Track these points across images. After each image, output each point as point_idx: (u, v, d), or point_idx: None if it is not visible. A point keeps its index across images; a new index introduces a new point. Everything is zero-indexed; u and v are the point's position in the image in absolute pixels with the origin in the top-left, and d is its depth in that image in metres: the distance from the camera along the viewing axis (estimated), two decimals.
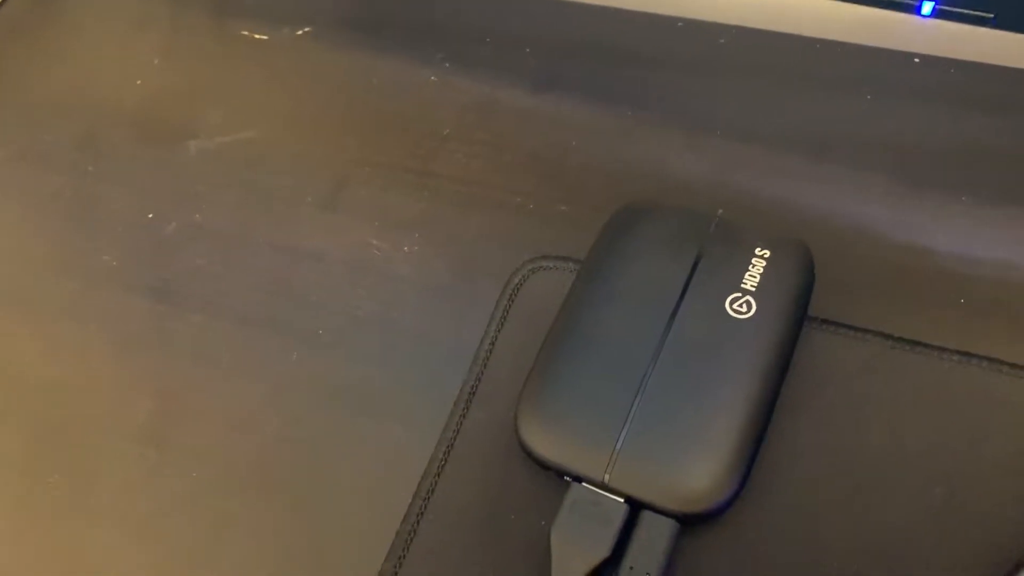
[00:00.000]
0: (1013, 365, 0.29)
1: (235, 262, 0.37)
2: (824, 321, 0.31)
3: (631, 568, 0.26)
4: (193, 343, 0.35)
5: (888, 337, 0.30)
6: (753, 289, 0.29)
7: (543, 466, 0.28)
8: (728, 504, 0.27)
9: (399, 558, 0.28)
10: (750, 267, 0.30)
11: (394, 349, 0.34)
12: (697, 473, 0.27)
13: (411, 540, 0.29)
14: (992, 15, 0.35)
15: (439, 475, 0.30)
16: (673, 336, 0.29)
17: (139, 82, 0.44)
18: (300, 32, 0.44)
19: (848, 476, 0.28)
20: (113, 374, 0.35)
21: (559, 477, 0.28)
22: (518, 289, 0.34)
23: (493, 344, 0.32)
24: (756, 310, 0.29)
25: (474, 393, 0.31)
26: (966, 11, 0.36)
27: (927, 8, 0.37)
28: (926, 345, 0.30)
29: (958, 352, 0.29)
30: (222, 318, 0.36)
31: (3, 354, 0.36)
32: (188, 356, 0.35)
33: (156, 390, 0.34)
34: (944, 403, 0.29)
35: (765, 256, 0.30)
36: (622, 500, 0.27)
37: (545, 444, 0.28)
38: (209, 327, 0.35)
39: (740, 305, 0.29)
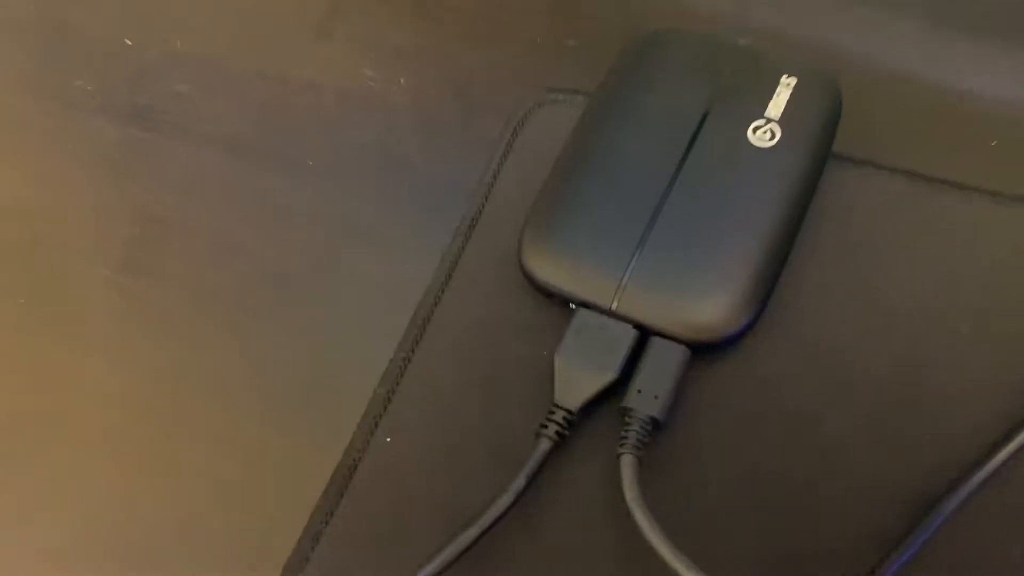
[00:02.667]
0: None
1: (220, 90, 0.35)
2: (849, 158, 0.29)
3: (639, 391, 0.25)
4: (176, 171, 0.33)
5: (915, 175, 0.28)
6: (777, 117, 0.28)
7: (547, 293, 0.27)
8: (741, 333, 0.26)
9: (394, 383, 0.27)
10: (775, 94, 0.28)
11: (389, 179, 0.32)
12: (710, 300, 0.25)
13: (406, 366, 0.27)
14: None
15: (437, 303, 0.28)
16: (691, 162, 0.27)
17: None
18: None
19: (869, 312, 0.26)
20: (90, 200, 0.33)
21: (563, 305, 0.27)
22: (524, 122, 0.31)
23: (496, 176, 0.31)
24: (780, 139, 0.27)
25: (475, 224, 0.30)
26: None
27: None
28: (954, 184, 0.28)
29: (987, 192, 0.28)
30: (207, 146, 0.33)
31: None
32: (171, 184, 0.33)
33: (136, 217, 0.32)
34: (971, 241, 0.27)
35: (791, 84, 0.28)
36: (632, 327, 0.26)
37: (550, 270, 0.27)
38: (193, 155, 0.33)
39: (763, 133, 0.27)
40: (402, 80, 0.34)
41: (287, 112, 0.34)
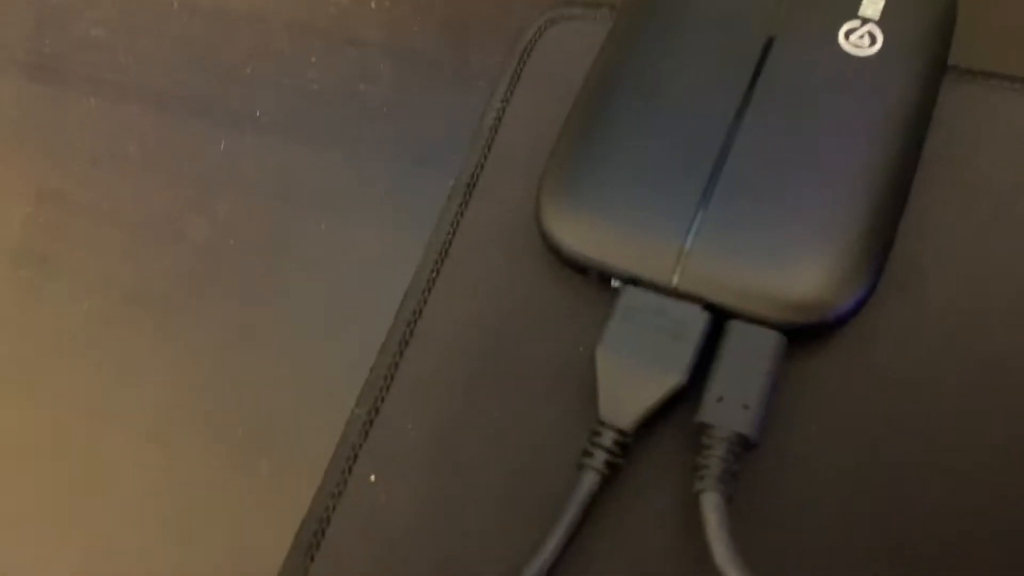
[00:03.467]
0: None
1: (144, 30, 0.27)
2: (969, 71, 0.22)
3: (719, 399, 0.18)
4: (88, 132, 0.26)
5: None
6: (876, 17, 0.21)
7: (579, 269, 0.20)
8: (854, 310, 0.19)
9: (377, 401, 0.20)
10: None
11: (360, 132, 0.25)
12: (808, 268, 0.18)
13: (392, 376, 0.20)
14: None
15: (429, 290, 0.21)
16: (764, 81, 0.20)
17: None
18: None
19: (1017, 259, 0.19)
20: None
21: (603, 283, 0.20)
22: (531, 47, 0.24)
23: (499, 120, 0.23)
24: (882, 45, 0.20)
25: (475, 183, 0.23)
26: None
27: None
28: None
29: None
30: (128, 100, 0.26)
31: None
32: (82, 149, 0.26)
33: (37, 192, 0.25)
34: None
35: None
36: (701, 308, 0.18)
37: (582, 237, 0.20)
38: (109, 111, 0.26)
39: (860, 37, 0.20)
40: (372, 3, 0.26)
41: (227, 54, 0.26)
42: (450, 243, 0.22)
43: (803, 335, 0.19)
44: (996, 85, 0.22)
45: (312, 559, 0.19)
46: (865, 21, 0.21)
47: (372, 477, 0.19)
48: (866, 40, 0.20)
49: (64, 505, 0.22)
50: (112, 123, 0.26)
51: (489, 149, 0.23)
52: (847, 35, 0.21)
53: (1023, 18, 0.24)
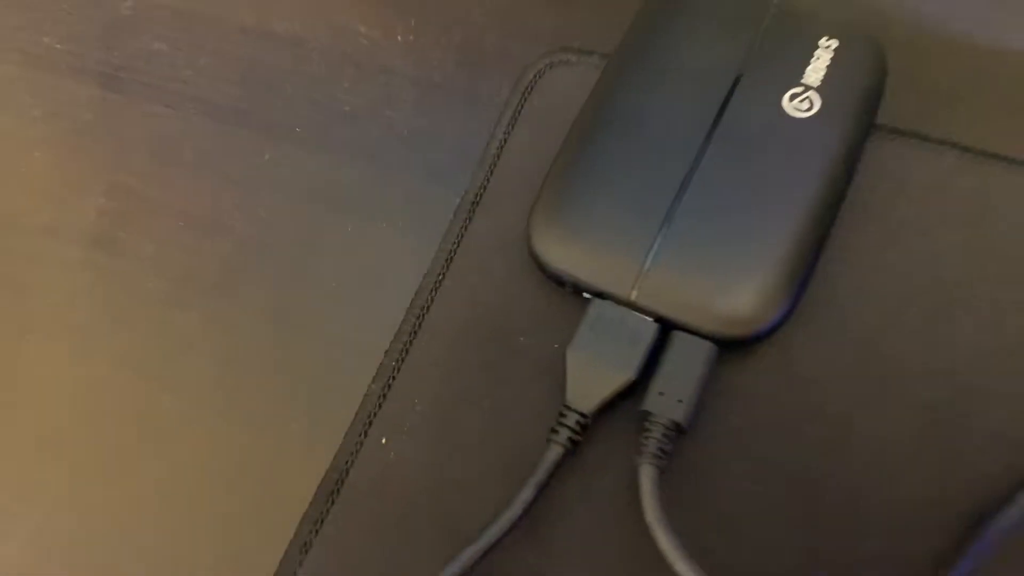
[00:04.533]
0: None
1: (200, 47, 0.31)
2: (895, 130, 0.26)
3: (660, 393, 0.22)
4: (151, 137, 0.30)
5: (966, 149, 0.25)
6: (817, 84, 0.25)
7: (558, 281, 0.24)
8: (775, 327, 0.23)
9: (389, 379, 0.25)
10: (814, 59, 0.25)
11: (385, 149, 0.29)
12: (740, 290, 0.23)
13: (403, 359, 0.25)
14: None
15: (436, 289, 0.26)
16: (720, 135, 0.24)
17: None
18: None
19: (917, 298, 0.24)
20: (57, 168, 0.30)
21: (577, 294, 0.24)
22: (532, 86, 0.28)
23: (502, 146, 0.28)
24: (819, 109, 0.24)
25: (479, 200, 0.27)
26: None
27: None
28: (1010, 158, 0.25)
29: None
30: (184, 109, 0.31)
31: None
32: (145, 151, 0.30)
33: (108, 187, 0.30)
34: None
35: (832, 47, 0.25)
36: (652, 320, 0.23)
37: (561, 254, 0.24)
38: (169, 119, 0.30)
39: (801, 101, 0.25)
40: (399, 37, 0.31)
41: (272, 72, 0.31)
42: (455, 251, 0.26)
43: (733, 346, 0.23)
44: (915, 144, 0.26)
45: (332, 503, 0.23)
46: (807, 88, 0.25)
47: (383, 440, 0.24)
48: (806, 104, 0.25)
49: (122, 457, 0.26)
50: (171, 128, 0.30)
51: (492, 172, 0.27)
52: (791, 99, 0.25)
53: (950, 81, 0.28)
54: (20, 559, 0.25)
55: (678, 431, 0.22)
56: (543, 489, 0.22)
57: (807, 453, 0.23)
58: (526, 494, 0.22)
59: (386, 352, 0.25)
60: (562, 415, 0.23)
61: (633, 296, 0.23)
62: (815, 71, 0.25)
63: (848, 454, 0.23)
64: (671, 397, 0.22)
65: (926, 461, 0.22)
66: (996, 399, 0.23)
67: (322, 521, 0.23)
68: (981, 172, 0.25)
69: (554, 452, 0.22)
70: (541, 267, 0.24)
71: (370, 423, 0.24)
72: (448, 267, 0.26)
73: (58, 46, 0.32)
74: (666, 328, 0.23)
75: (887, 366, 0.23)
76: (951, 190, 0.25)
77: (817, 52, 0.25)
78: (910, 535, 0.22)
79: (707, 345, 0.23)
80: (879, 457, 0.23)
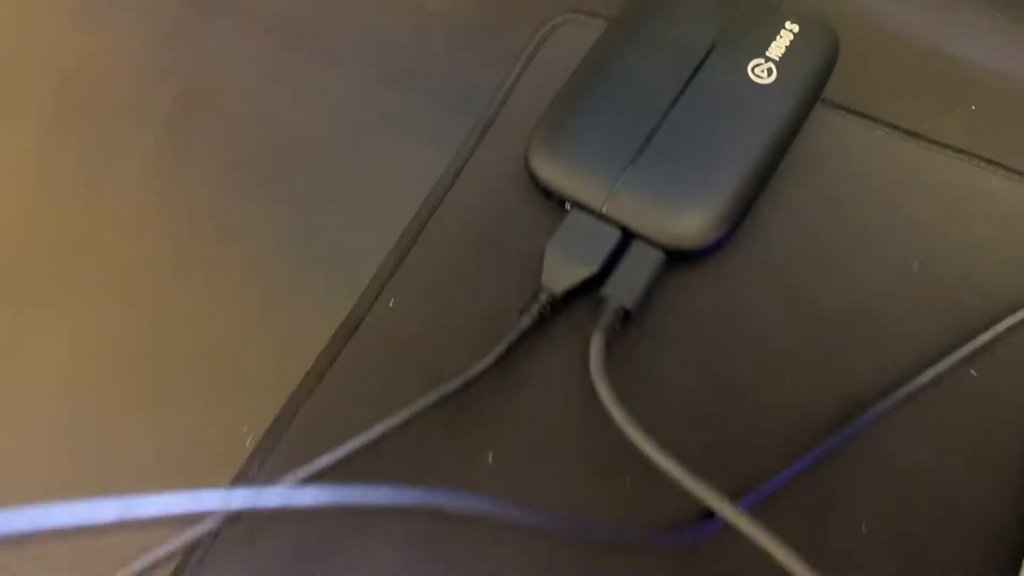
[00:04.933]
0: (1010, 169, 0.30)
1: None
2: (838, 105, 0.32)
3: (615, 284, 0.28)
4: (223, 45, 0.36)
5: (895, 128, 0.31)
6: (776, 58, 0.30)
7: (546, 193, 0.30)
8: (713, 247, 0.29)
9: (401, 255, 0.30)
10: (778, 37, 0.31)
11: (418, 76, 0.34)
12: (691, 212, 0.28)
13: (414, 241, 0.30)
14: None
15: (447, 191, 0.31)
16: (692, 89, 0.30)
17: None
18: None
19: (835, 241, 0.29)
20: (140, 60, 0.36)
21: (560, 205, 0.30)
22: (546, 38, 0.34)
23: (513, 85, 0.33)
24: (776, 77, 0.30)
25: (490, 125, 0.32)
26: None
27: None
28: (929, 139, 0.31)
29: (960, 150, 0.30)
30: (253, 26, 0.36)
31: (32, 22, 0.37)
32: (218, 56, 0.36)
33: (184, 81, 0.35)
34: (936, 189, 0.30)
35: (794, 30, 0.31)
36: (617, 229, 0.29)
37: (551, 171, 0.30)
38: (239, 31, 0.36)
39: (761, 71, 0.30)
40: None
41: (329, 3, 0.36)
42: (466, 163, 0.32)
43: (678, 258, 0.28)
44: (853, 118, 0.31)
45: (345, 345, 0.29)
46: (768, 59, 0.30)
47: (391, 302, 0.30)
48: (765, 72, 0.30)
49: (164, 299, 0.32)
50: (238, 39, 0.36)
51: (503, 105, 0.33)
52: (754, 68, 0.30)
53: (893, 69, 0.33)
54: (68, 372, 0.31)
55: (625, 315, 0.28)
56: (512, 348, 0.28)
57: (722, 352, 0.28)
58: (498, 349, 0.27)
59: (401, 235, 0.31)
60: (536, 293, 0.28)
61: (604, 209, 0.29)
62: (777, 47, 0.30)
63: (753, 357, 0.28)
64: (623, 288, 0.28)
65: (819, 368, 0.28)
66: (884, 324, 0.28)
67: (335, 358, 0.29)
68: (904, 148, 0.31)
69: (526, 321, 0.28)
70: (534, 180, 0.30)
71: (382, 288, 0.30)
72: (459, 174, 0.32)
73: None
74: (627, 237, 0.29)
75: (799, 292, 0.29)
76: (876, 160, 0.31)
77: (782, 32, 0.31)
78: (797, 421, 0.27)
79: (658, 253, 0.28)
80: (778, 362, 0.28)
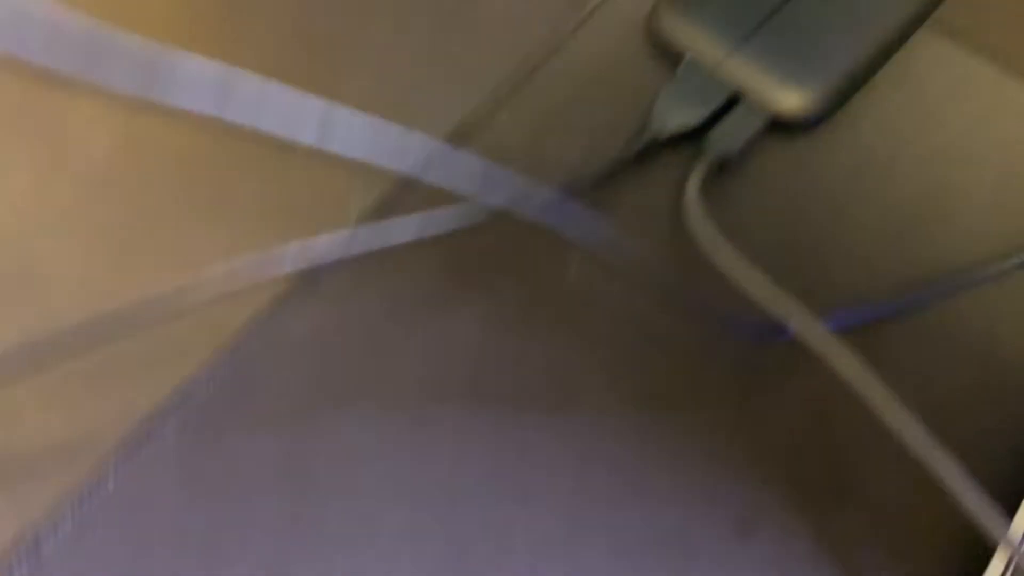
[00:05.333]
0: None
1: None
2: (941, 30, 0.33)
3: (718, 137, 0.30)
4: None
5: (994, 60, 0.33)
6: None
7: (666, 48, 0.32)
8: (815, 121, 0.30)
9: (520, 81, 0.32)
10: None
11: None
12: (800, 85, 0.30)
13: (529, 80, 0.32)
14: None
15: (573, 36, 0.33)
16: None
17: None
18: None
19: (920, 144, 0.31)
20: None
21: (677, 62, 0.31)
22: None
23: None
24: None
25: None
26: None
27: None
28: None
29: None
30: None
31: None
32: None
33: None
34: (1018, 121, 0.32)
35: None
36: (727, 89, 0.31)
37: (675, 25, 0.31)
38: None
39: None
40: None
41: None
42: (591, 15, 0.34)
43: (779, 126, 0.31)
44: (950, 44, 0.33)
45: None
46: None
47: (504, 116, 0.32)
48: None
49: None
50: None
51: None
52: None
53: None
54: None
55: (721, 168, 0.30)
56: (610, 176, 0.30)
57: (800, 215, 0.30)
58: (599, 169, 0.29)
59: (521, 60, 0.32)
60: (639, 132, 0.30)
61: (720, 67, 0.31)
62: None
63: (827, 223, 0.30)
64: (725, 140, 0.30)
65: (889, 240, 0.30)
66: (955, 217, 0.30)
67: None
68: (999, 81, 0.33)
69: (626, 154, 0.30)
70: (657, 36, 0.32)
71: (497, 104, 0.32)
72: (583, 25, 0.33)
73: None
74: (732, 102, 0.31)
75: (879, 177, 0.31)
76: (970, 87, 0.32)
77: None
78: (856, 284, 0.29)
79: (762, 115, 0.30)
80: (850, 232, 0.30)
